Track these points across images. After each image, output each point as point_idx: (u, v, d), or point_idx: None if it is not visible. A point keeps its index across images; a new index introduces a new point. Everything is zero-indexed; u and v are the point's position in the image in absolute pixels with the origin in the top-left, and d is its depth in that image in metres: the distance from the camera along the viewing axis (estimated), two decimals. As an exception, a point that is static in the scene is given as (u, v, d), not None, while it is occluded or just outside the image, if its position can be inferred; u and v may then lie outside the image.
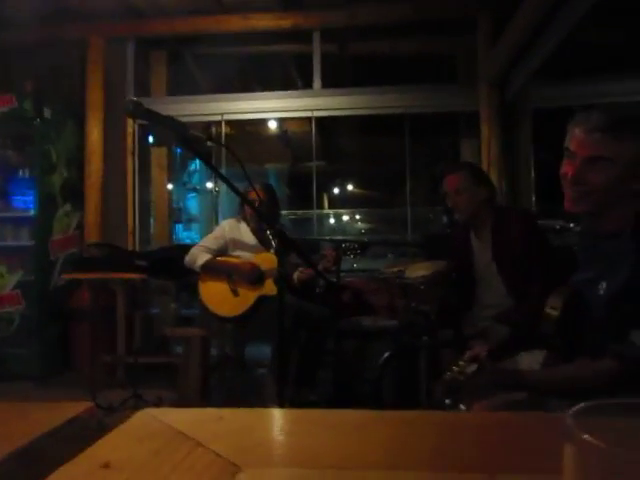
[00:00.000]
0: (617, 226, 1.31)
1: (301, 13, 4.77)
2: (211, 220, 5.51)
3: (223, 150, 4.71)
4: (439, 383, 1.68)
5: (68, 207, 4.74)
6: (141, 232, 5.10)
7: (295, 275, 3.36)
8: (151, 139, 5.29)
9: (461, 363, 1.64)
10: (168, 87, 5.34)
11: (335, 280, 3.58)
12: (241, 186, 2.11)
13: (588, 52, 4.16)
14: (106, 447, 0.61)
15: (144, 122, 3.62)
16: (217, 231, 3.53)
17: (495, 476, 0.54)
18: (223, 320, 3.35)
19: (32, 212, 4.48)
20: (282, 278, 2.21)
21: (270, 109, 5.10)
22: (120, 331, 4.18)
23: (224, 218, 4.05)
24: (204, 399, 3.44)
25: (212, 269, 3.35)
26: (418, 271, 2.68)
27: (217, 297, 3.35)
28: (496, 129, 4.45)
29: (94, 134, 4.85)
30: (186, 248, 3.52)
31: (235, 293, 3.34)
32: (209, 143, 2.19)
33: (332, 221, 8.92)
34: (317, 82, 4.92)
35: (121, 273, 4.12)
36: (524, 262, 2.39)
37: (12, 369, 4.10)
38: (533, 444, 0.62)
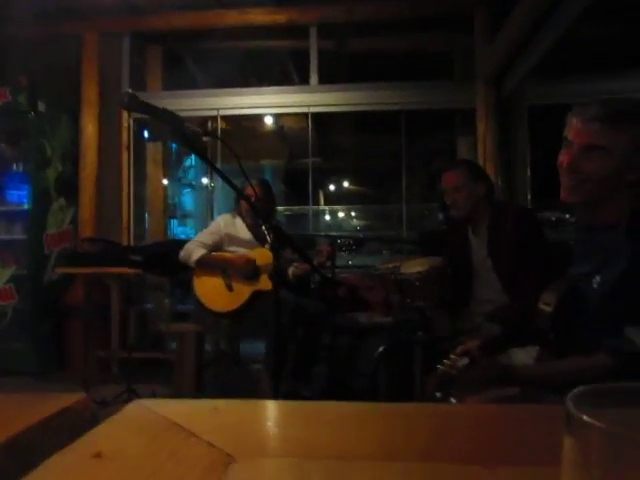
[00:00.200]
0: (613, 219, 1.31)
1: (298, 8, 4.76)
2: (206, 216, 5.50)
3: (219, 146, 4.69)
4: (431, 377, 1.68)
5: (62, 202, 4.72)
6: (136, 227, 5.09)
7: (290, 270, 3.36)
8: (146, 134, 5.27)
9: (452, 357, 1.64)
10: (164, 82, 5.32)
11: (330, 276, 3.57)
12: (237, 182, 2.10)
13: (584, 49, 4.17)
14: (98, 437, 0.60)
15: (139, 115, 3.61)
16: (212, 226, 3.52)
17: (492, 468, 0.53)
18: (218, 315, 3.34)
19: (26, 206, 4.47)
20: (277, 273, 2.21)
21: (266, 104, 5.09)
22: (114, 326, 4.17)
23: (219, 214, 4.04)
24: (198, 394, 3.44)
25: (207, 264, 3.34)
26: (414, 267, 2.68)
27: (212, 292, 3.34)
28: (492, 126, 4.46)
29: (89, 129, 4.84)
30: (181, 243, 3.50)
31: (230, 288, 3.32)
32: (205, 138, 2.17)
33: (328, 217, 8.93)
34: (314, 78, 4.91)
35: (115, 268, 4.11)
36: (518, 258, 2.39)
37: (5, 364, 4.07)
38: (529, 436, 0.61)
